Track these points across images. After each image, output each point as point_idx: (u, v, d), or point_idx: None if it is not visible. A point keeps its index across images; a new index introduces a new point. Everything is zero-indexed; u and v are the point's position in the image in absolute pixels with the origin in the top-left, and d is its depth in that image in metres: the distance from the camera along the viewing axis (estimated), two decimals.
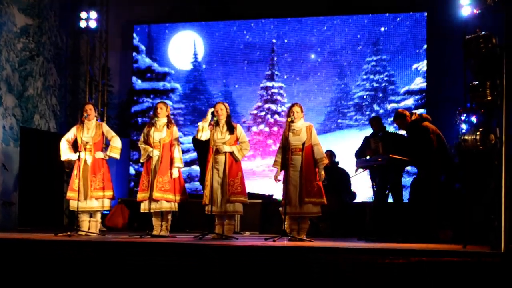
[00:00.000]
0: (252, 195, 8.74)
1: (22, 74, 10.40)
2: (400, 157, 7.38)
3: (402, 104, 10.38)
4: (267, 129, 11.22)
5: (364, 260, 5.18)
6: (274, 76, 11.25)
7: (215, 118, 7.40)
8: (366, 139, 8.27)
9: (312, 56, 11.13)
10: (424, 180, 7.25)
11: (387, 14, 10.77)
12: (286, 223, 6.98)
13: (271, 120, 11.21)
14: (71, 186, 7.70)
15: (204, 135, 7.39)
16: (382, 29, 10.79)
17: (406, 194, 7.84)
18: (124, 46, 12.06)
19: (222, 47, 11.53)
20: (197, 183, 10.82)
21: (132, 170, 11.65)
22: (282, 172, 7.18)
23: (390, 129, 9.26)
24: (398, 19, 10.71)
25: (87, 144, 7.73)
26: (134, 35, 11.82)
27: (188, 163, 10.94)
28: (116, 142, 7.89)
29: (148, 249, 5.86)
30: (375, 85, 10.76)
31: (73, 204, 7.67)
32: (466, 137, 5.64)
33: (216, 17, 11.55)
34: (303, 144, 7.10)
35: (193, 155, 11.02)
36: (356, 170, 8.27)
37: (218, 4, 11.44)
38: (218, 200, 7.30)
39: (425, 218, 7.07)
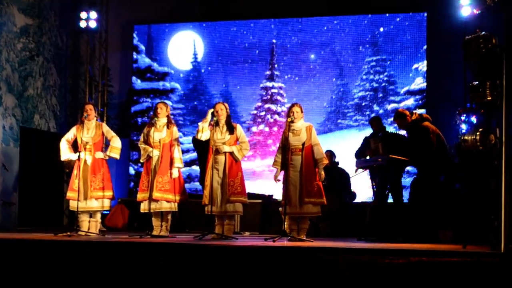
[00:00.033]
0: (252, 195, 8.74)
1: (22, 74, 10.40)
2: (400, 157, 7.38)
3: (402, 104, 10.37)
4: (267, 129, 11.21)
5: (364, 260, 5.18)
6: (274, 76, 11.24)
7: (215, 118, 7.40)
8: (366, 139, 8.27)
9: (312, 56, 11.13)
10: (424, 180, 7.25)
11: (387, 15, 10.77)
12: (286, 223, 6.98)
13: (271, 120, 11.21)
14: (71, 186, 7.71)
15: (204, 135, 7.39)
16: (382, 29, 10.79)
17: (406, 194, 7.84)
18: (124, 46, 12.05)
19: (222, 47, 11.52)
20: (197, 183, 10.82)
21: (132, 170, 11.65)
22: (282, 172, 7.18)
23: (390, 129, 9.26)
24: (398, 19, 10.71)
25: (87, 144, 7.73)
26: (134, 35, 11.82)
27: (188, 163, 10.94)
28: (116, 142, 7.89)
29: (148, 249, 5.86)
30: (375, 85, 10.76)
31: (73, 204, 7.67)
32: (466, 137, 5.64)
33: (216, 17, 11.55)
34: (303, 144, 7.11)
35: (193, 155, 11.02)
36: (356, 170, 8.28)
37: (218, 4, 11.44)
38: (218, 200, 7.30)
39: (425, 218, 7.07)
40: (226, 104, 7.55)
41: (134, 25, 11.84)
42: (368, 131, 8.77)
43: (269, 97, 11.24)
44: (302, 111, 7.22)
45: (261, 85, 11.29)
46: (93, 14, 11.44)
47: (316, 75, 11.06)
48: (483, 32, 5.65)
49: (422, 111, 9.72)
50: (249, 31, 11.43)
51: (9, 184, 10.03)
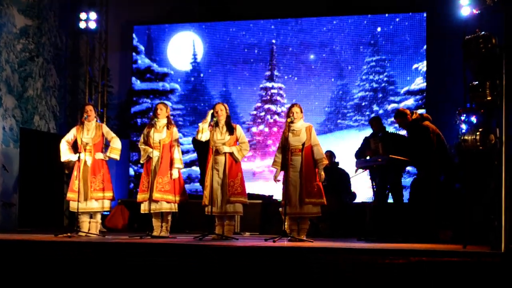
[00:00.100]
0: (252, 196, 8.74)
1: (21, 75, 10.40)
2: (400, 158, 7.38)
3: (402, 105, 10.37)
4: (266, 129, 11.22)
5: (364, 260, 5.18)
6: (274, 76, 11.25)
7: (214, 119, 7.40)
8: (366, 140, 8.27)
9: (312, 56, 11.13)
10: (424, 180, 7.25)
11: (387, 15, 10.77)
12: (286, 223, 6.98)
13: (271, 121, 11.21)
14: (71, 187, 7.70)
15: (204, 136, 7.39)
16: (382, 29, 10.78)
17: (406, 194, 7.84)
18: (123, 46, 12.06)
19: (222, 47, 11.53)
20: (197, 184, 10.83)
21: (132, 171, 11.65)
22: (282, 172, 7.18)
23: (390, 129, 9.27)
24: (397, 20, 10.71)
25: (87, 145, 7.73)
26: (134, 35, 11.82)
27: (188, 164, 10.94)
28: (116, 143, 7.89)
29: (148, 250, 5.86)
30: (375, 85, 10.76)
31: (73, 205, 7.67)
32: (466, 137, 5.64)
33: (215, 18, 11.55)
34: (303, 144, 7.10)
35: (193, 156, 11.02)
36: (356, 171, 8.28)
37: (217, 4, 11.44)
38: (218, 201, 7.30)
39: (425, 218, 7.07)
40: (226, 105, 7.55)
41: (133, 25, 11.85)
42: (368, 131, 8.77)
43: (268, 97, 11.24)
44: (301, 112, 7.22)
45: (261, 86, 11.30)
46: (93, 15, 11.44)
47: (316, 76, 11.06)
48: (483, 32, 5.65)
49: (422, 111, 9.71)
50: (249, 31, 11.43)
51: (9, 185, 10.03)
